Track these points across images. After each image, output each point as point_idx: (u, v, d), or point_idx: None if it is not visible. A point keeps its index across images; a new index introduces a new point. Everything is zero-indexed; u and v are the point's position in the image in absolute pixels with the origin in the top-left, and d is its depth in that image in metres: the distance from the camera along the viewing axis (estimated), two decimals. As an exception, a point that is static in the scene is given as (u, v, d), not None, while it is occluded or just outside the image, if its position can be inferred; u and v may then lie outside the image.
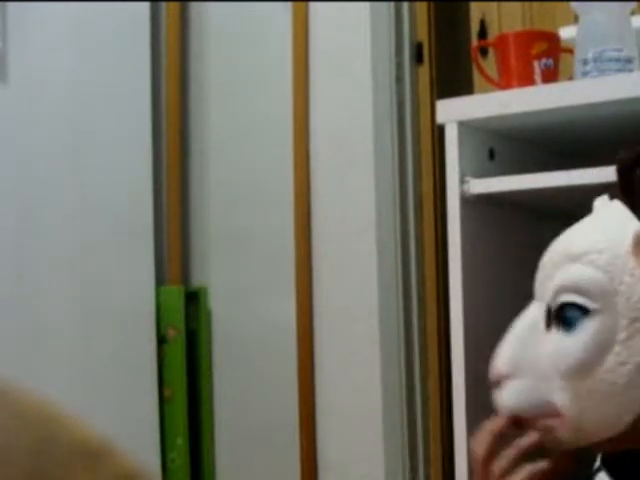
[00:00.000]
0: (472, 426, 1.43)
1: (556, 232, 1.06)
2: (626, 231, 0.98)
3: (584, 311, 0.97)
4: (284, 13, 2.27)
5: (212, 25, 2.41)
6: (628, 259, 0.96)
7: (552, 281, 1.00)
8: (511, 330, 1.04)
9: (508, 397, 1.02)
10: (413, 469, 2.16)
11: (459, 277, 1.44)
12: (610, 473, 1.07)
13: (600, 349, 0.96)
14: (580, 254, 0.98)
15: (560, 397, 0.98)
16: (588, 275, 0.97)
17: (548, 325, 1.00)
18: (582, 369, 0.97)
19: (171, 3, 2.42)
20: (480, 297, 1.47)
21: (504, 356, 1.02)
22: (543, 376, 0.99)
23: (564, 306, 0.98)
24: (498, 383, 1.03)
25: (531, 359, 1.00)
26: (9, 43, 1.97)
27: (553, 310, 1.00)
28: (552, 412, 0.99)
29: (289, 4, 2.26)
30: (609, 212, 1.02)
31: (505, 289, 1.54)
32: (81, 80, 2.15)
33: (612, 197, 1.06)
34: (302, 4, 2.24)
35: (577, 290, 0.97)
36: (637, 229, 0.97)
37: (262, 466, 2.28)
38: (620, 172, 1.04)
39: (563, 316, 0.98)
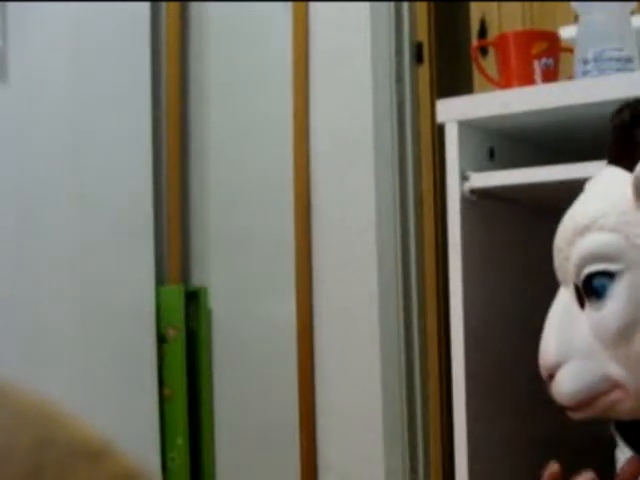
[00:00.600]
0: (472, 426, 1.43)
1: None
2: (625, 187, 0.97)
3: (610, 276, 0.96)
4: (284, 13, 2.27)
5: (212, 25, 2.41)
6: (636, 211, 0.95)
7: (571, 260, 0.99)
8: (546, 323, 1.03)
9: (564, 384, 0.99)
10: (413, 469, 2.16)
11: (459, 276, 1.44)
12: (627, 442, 1.07)
13: (636, 307, 0.95)
14: (588, 224, 0.97)
15: (615, 368, 0.97)
16: (602, 240, 0.96)
17: (582, 304, 0.99)
18: (625, 332, 0.95)
19: (171, 3, 2.42)
20: (480, 296, 1.47)
21: (548, 348, 1.00)
22: (591, 354, 0.97)
23: (589, 278, 0.97)
24: (550, 376, 1.01)
25: (575, 341, 0.99)
26: (9, 43, 1.97)
27: (581, 286, 0.99)
28: (611, 386, 0.97)
29: (289, 4, 2.26)
30: (603, 179, 1.02)
31: (506, 288, 1.54)
32: (81, 80, 2.15)
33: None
34: (302, 4, 2.24)
35: (596, 258, 0.96)
36: (634, 175, 0.96)
37: (262, 466, 2.28)
38: (617, 131, 1.02)
39: (591, 288, 0.97)
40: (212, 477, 2.33)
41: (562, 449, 1.53)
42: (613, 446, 1.18)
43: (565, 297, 1.02)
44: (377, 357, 2.13)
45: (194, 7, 2.44)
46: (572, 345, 0.99)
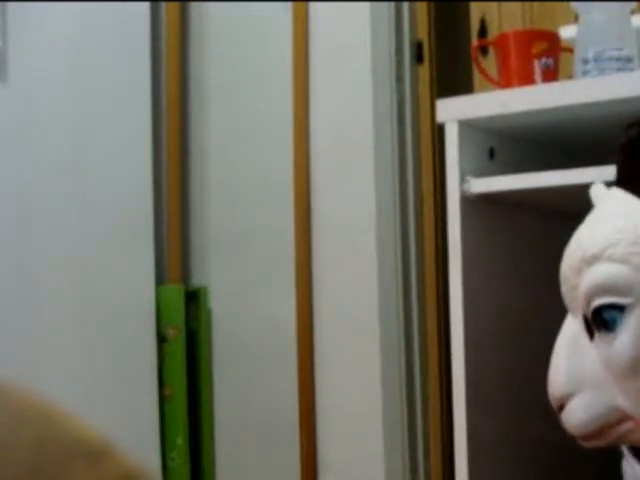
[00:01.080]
0: (472, 427, 1.43)
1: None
2: (634, 216, 0.95)
3: (620, 308, 0.94)
4: (284, 13, 2.27)
5: (212, 25, 2.41)
6: None
7: (579, 290, 0.97)
8: (555, 351, 1.01)
9: (575, 415, 0.98)
10: (413, 469, 2.16)
11: (459, 277, 1.43)
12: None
13: None
14: (596, 253, 0.95)
15: (625, 400, 0.96)
16: (611, 272, 0.94)
17: (591, 334, 0.98)
18: (636, 366, 0.94)
19: (171, 3, 2.42)
20: (480, 297, 1.47)
21: (558, 379, 0.99)
22: (601, 385, 0.96)
23: (599, 310, 0.95)
24: (561, 407, 0.99)
25: (585, 372, 0.98)
26: (9, 43, 1.97)
27: (590, 317, 0.97)
28: (621, 417, 0.96)
29: (289, 4, 2.26)
30: (611, 202, 1.00)
31: (505, 288, 1.54)
32: (81, 80, 2.15)
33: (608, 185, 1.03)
34: (302, 4, 2.24)
35: (606, 290, 0.94)
36: None
37: (262, 466, 2.28)
38: (626, 149, 0.99)
39: (601, 320, 0.95)
40: (212, 477, 2.33)
41: (563, 449, 1.53)
42: (616, 449, 1.18)
43: (573, 325, 0.99)
44: (377, 357, 2.13)
45: (194, 7, 2.44)
46: (582, 376, 0.98)
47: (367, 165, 2.16)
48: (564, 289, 1.01)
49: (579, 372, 0.98)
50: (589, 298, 0.96)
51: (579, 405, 0.98)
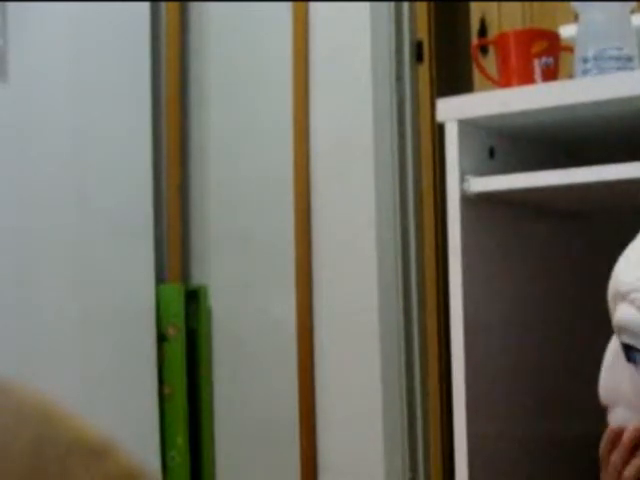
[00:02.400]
0: (472, 426, 1.43)
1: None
2: None
3: (639, 351, 0.96)
4: (284, 13, 2.27)
5: (212, 25, 2.41)
6: None
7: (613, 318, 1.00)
8: (603, 360, 1.04)
9: (615, 425, 1.02)
10: (413, 469, 2.16)
11: (459, 277, 1.43)
12: None
13: None
14: (624, 293, 0.97)
15: None
16: (632, 316, 0.96)
17: (628, 358, 1.00)
18: None
19: (171, 3, 2.42)
20: (480, 296, 1.47)
21: (600, 387, 1.03)
22: (633, 406, 0.99)
23: (623, 345, 0.98)
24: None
25: (618, 391, 1.00)
26: (9, 42, 1.97)
27: (620, 348, 0.99)
28: None
29: (289, 4, 2.26)
30: None
31: (505, 288, 1.54)
32: (81, 80, 2.15)
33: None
34: (302, 4, 2.24)
35: (626, 331, 0.97)
36: None
37: (262, 466, 2.28)
38: None
39: (627, 354, 0.98)
40: (212, 476, 2.33)
41: (563, 449, 1.53)
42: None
43: (617, 344, 1.02)
44: (377, 357, 2.13)
45: (194, 7, 2.44)
46: (616, 393, 1.01)
47: (367, 165, 2.16)
48: (609, 308, 1.03)
49: (615, 390, 1.01)
50: (617, 331, 0.98)
51: (616, 419, 1.01)
